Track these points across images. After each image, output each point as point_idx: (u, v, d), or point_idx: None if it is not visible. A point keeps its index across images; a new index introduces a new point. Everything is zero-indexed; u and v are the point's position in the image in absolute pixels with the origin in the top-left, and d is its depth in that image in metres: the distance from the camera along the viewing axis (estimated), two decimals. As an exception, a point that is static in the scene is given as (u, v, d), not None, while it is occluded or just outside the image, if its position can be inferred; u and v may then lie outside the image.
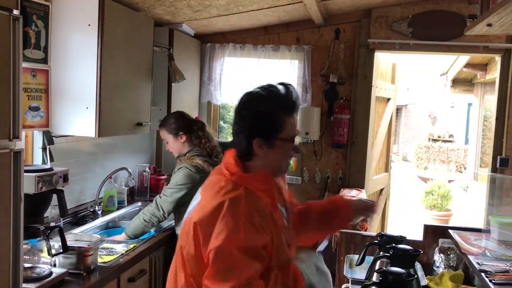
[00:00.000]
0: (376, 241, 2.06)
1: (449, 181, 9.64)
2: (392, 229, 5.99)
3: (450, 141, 17.06)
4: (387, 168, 4.99)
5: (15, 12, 1.50)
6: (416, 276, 1.75)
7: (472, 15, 2.31)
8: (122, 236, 2.76)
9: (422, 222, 2.65)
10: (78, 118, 2.56)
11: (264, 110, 1.54)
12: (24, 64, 2.03)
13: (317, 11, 3.55)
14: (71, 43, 2.54)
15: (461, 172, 14.49)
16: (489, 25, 2.07)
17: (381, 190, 4.87)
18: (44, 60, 2.48)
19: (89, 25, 2.50)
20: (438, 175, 11.90)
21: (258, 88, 1.60)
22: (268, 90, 1.57)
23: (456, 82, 7.74)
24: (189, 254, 1.52)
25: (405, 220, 8.29)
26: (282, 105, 1.55)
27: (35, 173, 1.99)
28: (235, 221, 1.42)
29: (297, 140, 1.61)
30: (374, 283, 1.60)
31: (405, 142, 18.94)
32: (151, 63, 3.16)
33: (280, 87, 1.57)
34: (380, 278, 1.57)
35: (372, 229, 4.43)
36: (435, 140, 17.32)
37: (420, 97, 17.80)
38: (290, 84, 1.60)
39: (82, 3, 2.51)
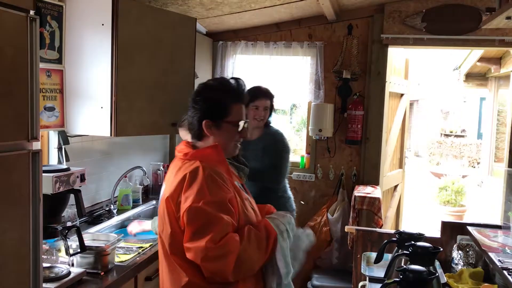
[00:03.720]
0: (394, 239, 2.04)
1: (463, 177, 9.55)
2: (406, 226, 5.95)
3: (462, 136, 16.88)
4: (401, 164, 4.95)
5: (32, 12, 1.49)
6: (437, 274, 1.73)
7: (489, 8, 2.26)
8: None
9: (436, 218, 2.62)
10: (93, 118, 2.56)
11: (213, 96, 1.78)
12: (39, 65, 2.03)
13: (330, 6, 3.52)
14: (85, 43, 2.53)
15: (474, 167, 14.33)
16: (509, 18, 2.03)
17: (395, 186, 4.83)
18: (59, 60, 2.48)
19: (102, 24, 2.49)
20: (451, 170, 11.79)
21: (211, 79, 1.91)
22: (219, 81, 1.87)
23: (469, 76, 7.65)
24: (167, 233, 1.69)
25: (418, 216, 8.23)
26: (230, 93, 1.79)
27: (52, 173, 1.99)
28: (198, 185, 1.62)
29: (242, 125, 1.81)
30: (395, 281, 1.58)
31: (417, 137, 18.79)
32: (189, 62, 3.06)
33: (231, 80, 1.83)
34: (401, 276, 1.55)
35: (386, 226, 4.39)
36: (447, 135, 17.16)
37: (431, 92, 17.62)
38: (240, 78, 1.84)
39: (95, 3, 2.49)
